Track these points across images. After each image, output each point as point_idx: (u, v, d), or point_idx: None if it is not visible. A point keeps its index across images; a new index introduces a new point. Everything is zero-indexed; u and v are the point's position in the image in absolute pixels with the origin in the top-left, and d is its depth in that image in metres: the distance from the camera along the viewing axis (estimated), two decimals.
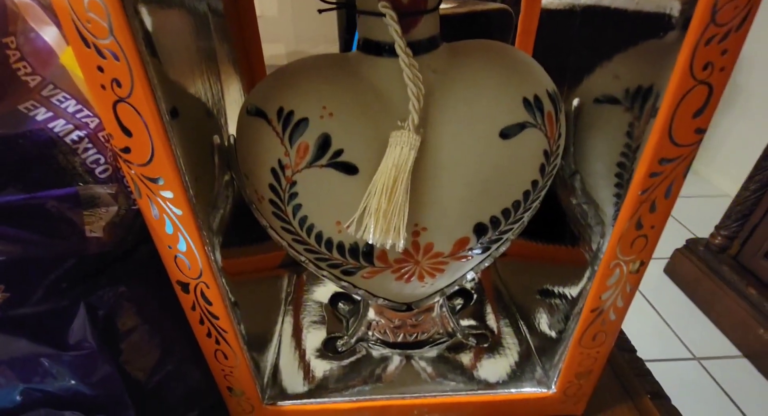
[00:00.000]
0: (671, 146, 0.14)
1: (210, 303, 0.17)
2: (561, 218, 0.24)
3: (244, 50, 0.25)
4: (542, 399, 0.23)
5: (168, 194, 0.14)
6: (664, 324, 1.06)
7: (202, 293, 0.17)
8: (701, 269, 1.06)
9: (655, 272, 1.21)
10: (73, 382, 0.15)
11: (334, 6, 0.20)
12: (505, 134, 0.17)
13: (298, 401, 0.23)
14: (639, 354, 0.34)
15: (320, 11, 0.20)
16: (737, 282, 0.97)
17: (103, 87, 0.12)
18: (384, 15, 0.16)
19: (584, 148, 0.21)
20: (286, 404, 0.22)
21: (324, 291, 0.32)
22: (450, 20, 0.44)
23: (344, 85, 0.18)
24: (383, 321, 0.27)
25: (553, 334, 0.24)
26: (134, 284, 0.17)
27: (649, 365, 0.33)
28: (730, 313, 0.99)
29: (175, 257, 0.16)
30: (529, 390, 0.23)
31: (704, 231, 1.13)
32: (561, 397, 0.23)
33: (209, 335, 0.18)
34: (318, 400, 0.23)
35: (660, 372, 0.37)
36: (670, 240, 1.23)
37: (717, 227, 1.05)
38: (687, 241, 1.14)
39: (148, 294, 0.18)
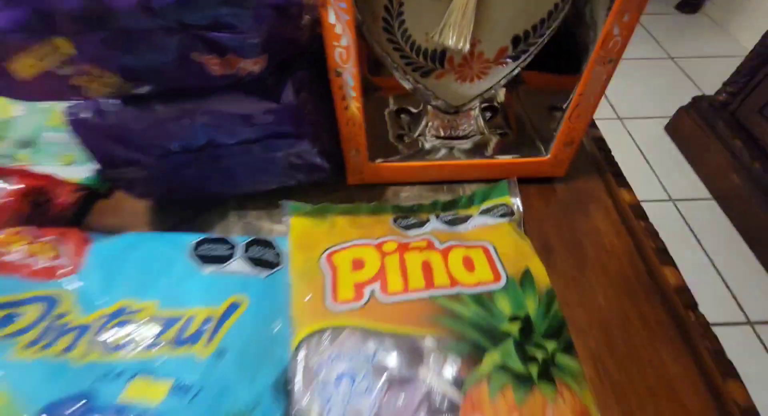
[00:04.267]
0: None
1: (351, 83, 0.29)
2: (569, 55, 0.34)
3: None
4: (540, 162, 0.36)
5: (342, 5, 0.24)
6: (650, 171, 1.20)
7: (349, 77, 0.28)
8: (698, 125, 1.15)
9: (654, 130, 1.30)
10: (284, 126, 0.28)
11: None
12: None
13: (388, 161, 0.36)
14: None
15: None
16: (727, 135, 1.07)
17: None
18: None
19: None
20: (380, 161, 0.36)
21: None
22: None
23: None
24: (437, 122, 0.40)
25: (551, 128, 0.36)
26: (309, 71, 0.28)
27: None
28: (712, 161, 1.12)
29: (336, 50, 0.27)
30: (532, 157, 0.36)
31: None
32: (552, 161, 0.36)
33: (347, 108, 0.31)
34: (400, 163, 0.37)
35: None
36: (679, 100, 1.27)
37: (725, 84, 1.11)
38: (693, 98, 1.21)
39: (315, 79, 0.29)
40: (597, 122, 0.44)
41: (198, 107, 0.28)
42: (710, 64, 1.53)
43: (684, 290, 0.33)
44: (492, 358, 0.22)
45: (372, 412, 0.21)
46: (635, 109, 1.37)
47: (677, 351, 0.30)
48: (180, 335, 0.24)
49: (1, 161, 0.36)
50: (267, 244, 0.30)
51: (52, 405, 0.20)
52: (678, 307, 0.32)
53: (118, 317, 0.24)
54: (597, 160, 0.41)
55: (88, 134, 0.29)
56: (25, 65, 0.23)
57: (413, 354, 0.23)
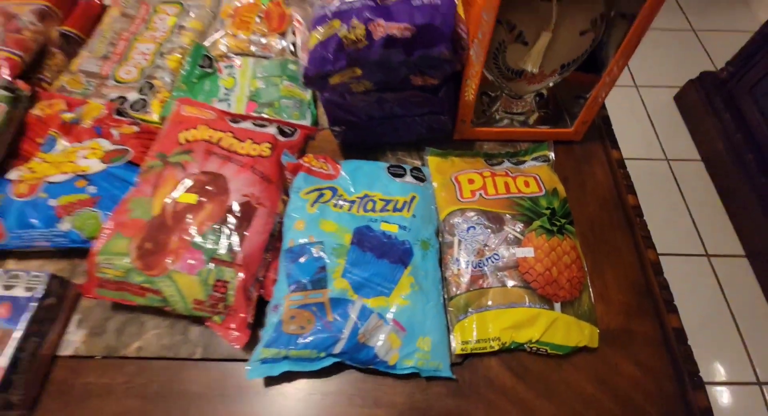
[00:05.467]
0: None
1: (473, 86, 0.55)
2: (593, 64, 0.58)
3: None
4: (566, 132, 0.63)
5: (479, 51, 0.50)
6: (654, 135, 1.43)
7: (472, 83, 0.54)
8: (700, 97, 1.36)
9: (664, 98, 1.51)
10: (436, 108, 0.54)
11: None
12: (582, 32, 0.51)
13: (481, 127, 0.63)
14: (624, 153, 0.70)
15: None
16: (721, 108, 1.29)
17: None
18: None
19: (609, 36, 0.54)
20: (478, 127, 0.62)
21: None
22: None
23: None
24: (506, 103, 0.65)
25: (575, 110, 0.62)
26: (453, 79, 0.54)
27: (627, 162, 0.68)
28: (706, 130, 1.34)
29: (470, 70, 0.52)
30: (561, 129, 0.63)
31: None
32: (573, 132, 0.62)
33: (466, 97, 0.57)
34: (484, 128, 0.63)
35: (634, 167, 0.70)
36: (691, 72, 1.46)
37: (727, 63, 1.30)
38: (700, 73, 1.40)
39: (455, 82, 0.55)
40: (615, 89, 0.65)
41: (395, 97, 0.54)
42: (726, 38, 1.69)
43: (636, 207, 0.60)
44: (537, 223, 0.51)
45: (484, 242, 0.50)
46: (651, 78, 1.56)
47: (626, 235, 0.58)
48: (394, 207, 0.52)
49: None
50: (419, 170, 0.58)
51: (357, 229, 0.49)
52: (630, 214, 0.59)
53: (365, 198, 0.53)
54: (601, 131, 0.67)
55: (331, 106, 0.56)
56: (335, 79, 0.49)
57: (500, 220, 0.52)
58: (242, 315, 0.46)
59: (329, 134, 0.63)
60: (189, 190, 0.48)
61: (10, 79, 0.59)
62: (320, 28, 0.45)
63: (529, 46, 0.52)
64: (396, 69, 0.48)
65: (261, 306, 0.49)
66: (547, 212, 0.52)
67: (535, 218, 0.51)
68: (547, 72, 0.56)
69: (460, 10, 0.46)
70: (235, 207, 0.48)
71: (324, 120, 0.66)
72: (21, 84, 0.59)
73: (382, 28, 0.43)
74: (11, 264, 0.53)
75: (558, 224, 0.51)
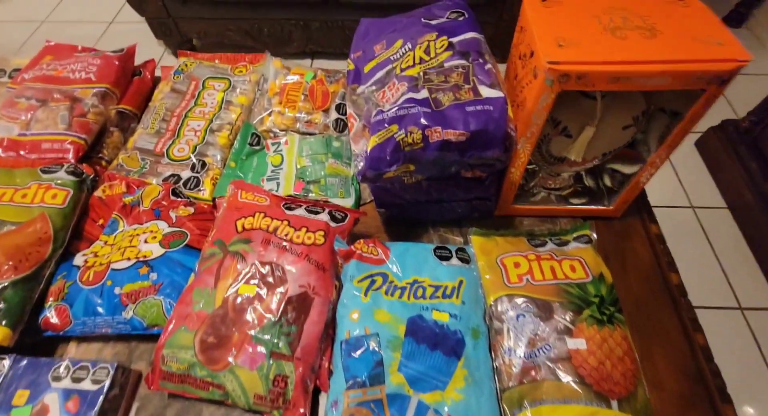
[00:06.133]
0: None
1: (517, 173, 0.56)
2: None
3: None
4: (606, 210, 0.64)
5: (527, 146, 0.52)
6: (677, 181, 1.43)
7: (517, 171, 0.56)
8: (723, 145, 1.37)
9: (686, 144, 1.52)
10: (481, 194, 0.56)
11: None
12: (625, 127, 0.53)
13: (519, 202, 0.64)
14: (650, 200, 0.72)
15: None
16: (746, 157, 1.29)
17: None
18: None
19: (649, 128, 0.56)
20: (517, 205, 0.64)
21: None
22: None
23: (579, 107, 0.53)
24: (544, 180, 0.67)
25: (610, 182, 0.63)
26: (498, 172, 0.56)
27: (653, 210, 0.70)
28: (731, 178, 1.34)
29: (516, 162, 0.55)
30: (602, 207, 0.64)
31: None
32: (613, 210, 0.64)
33: (510, 181, 0.58)
34: (523, 206, 0.65)
35: (660, 214, 0.74)
36: (711, 118, 1.48)
37: (749, 113, 1.32)
38: (722, 121, 1.42)
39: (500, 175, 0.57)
40: None
41: (443, 185, 0.56)
42: (745, 82, 1.70)
43: (680, 285, 0.61)
44: (586, 312, 0.51)
45: (534, 331, 0.51)
46: None
47: (671, 315, 0.58)
48: (443, 293, 0.53)
49: (305, 195, 0.65)
50: (464, 250, 0.59)
51: (410, 319, 0.50)
52: (675, 294, 0.60)
53: (415, 284, 0.54)
54: (638, 205, 0.69)
55: (379, 191, 0.58)
56: (389, 174, 0.51)
57: (549, 308, 0.52)
58: (301, 409, 0.47)
59: (372, 208, 0.65)
60: (249, 281, 0.50)
61: (75, 163, 0.63)
62: (378, 134, 0.48)
63: (573, 139, 0.54)
64: (448, 166, 0.51)
65: (315, 394, 0.50)
66: (596, 300, 0.53)
67: (584, 307, 0.52)
68: (589, 159, 0.58)
69: (510, 111, 0.49)
70: (293, 299, 0.50)
71: (366, 193, 0.69)
72: (85, 167, 0.62)
73: (439, 133, 0.46)
74: (72, 348, 0.55)
75: (608, 312, 0.52)
